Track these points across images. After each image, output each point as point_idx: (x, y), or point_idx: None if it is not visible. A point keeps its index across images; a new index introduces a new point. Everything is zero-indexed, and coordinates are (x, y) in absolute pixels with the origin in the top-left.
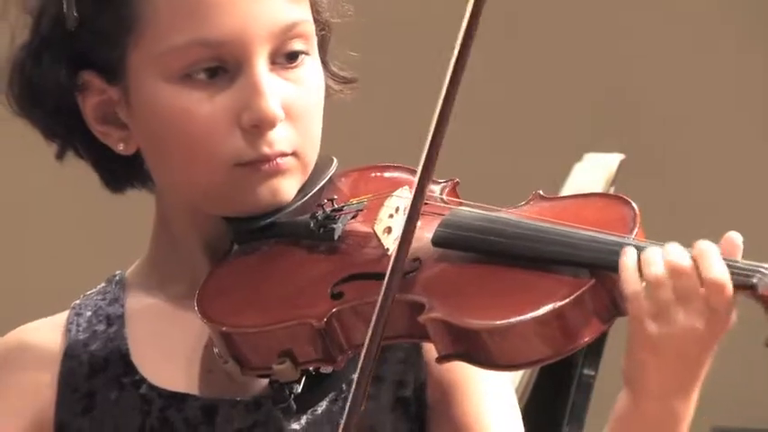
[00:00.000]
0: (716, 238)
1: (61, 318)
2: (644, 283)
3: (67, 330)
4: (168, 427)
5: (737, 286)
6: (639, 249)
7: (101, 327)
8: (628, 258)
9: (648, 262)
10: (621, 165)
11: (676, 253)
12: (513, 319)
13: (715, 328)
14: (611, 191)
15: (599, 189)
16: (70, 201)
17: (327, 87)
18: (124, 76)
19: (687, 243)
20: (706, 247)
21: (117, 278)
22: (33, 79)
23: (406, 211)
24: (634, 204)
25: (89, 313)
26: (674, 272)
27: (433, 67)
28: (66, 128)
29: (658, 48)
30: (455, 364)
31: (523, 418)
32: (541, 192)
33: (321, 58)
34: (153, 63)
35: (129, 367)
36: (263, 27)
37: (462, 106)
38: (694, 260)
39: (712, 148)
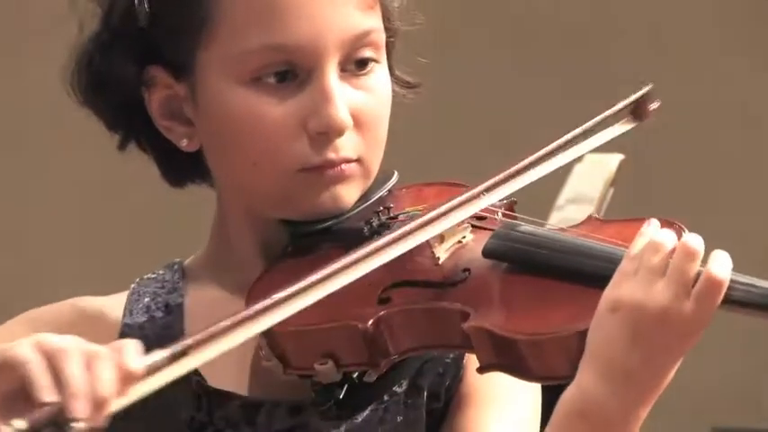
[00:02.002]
0: (715, 237)
1: (120, 298)
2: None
3: (127, 311)
4: (212, 425)
5: (731, 301)
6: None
7: (158, 314)
8: (650, 227)
9: (663, 235)
10: (621, 165)
11: (692, 237)
12: (555, 332)
13: (687, 322)
14: (611, 191)
15: (599, 189)
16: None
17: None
18: (192, 74)
19: None
20: (721, 253)
21: (176, 267)
22: (101, 73)
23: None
24: (685, 229)
25: (147, 299)
26: (682, 251)
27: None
28: (130, 121)
29: (659, 47)
30: (489, 381)
31: None
32: (596, 215)
33: (387, 64)
34: (223, 64)
35: None
36: (337, 35)
37: (462, 105)
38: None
39: (713, 148)
